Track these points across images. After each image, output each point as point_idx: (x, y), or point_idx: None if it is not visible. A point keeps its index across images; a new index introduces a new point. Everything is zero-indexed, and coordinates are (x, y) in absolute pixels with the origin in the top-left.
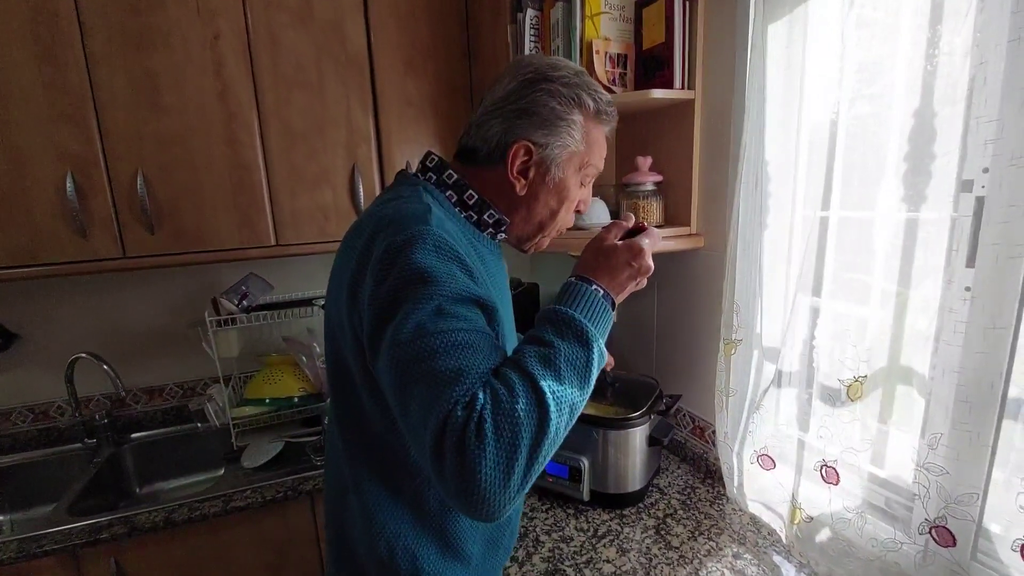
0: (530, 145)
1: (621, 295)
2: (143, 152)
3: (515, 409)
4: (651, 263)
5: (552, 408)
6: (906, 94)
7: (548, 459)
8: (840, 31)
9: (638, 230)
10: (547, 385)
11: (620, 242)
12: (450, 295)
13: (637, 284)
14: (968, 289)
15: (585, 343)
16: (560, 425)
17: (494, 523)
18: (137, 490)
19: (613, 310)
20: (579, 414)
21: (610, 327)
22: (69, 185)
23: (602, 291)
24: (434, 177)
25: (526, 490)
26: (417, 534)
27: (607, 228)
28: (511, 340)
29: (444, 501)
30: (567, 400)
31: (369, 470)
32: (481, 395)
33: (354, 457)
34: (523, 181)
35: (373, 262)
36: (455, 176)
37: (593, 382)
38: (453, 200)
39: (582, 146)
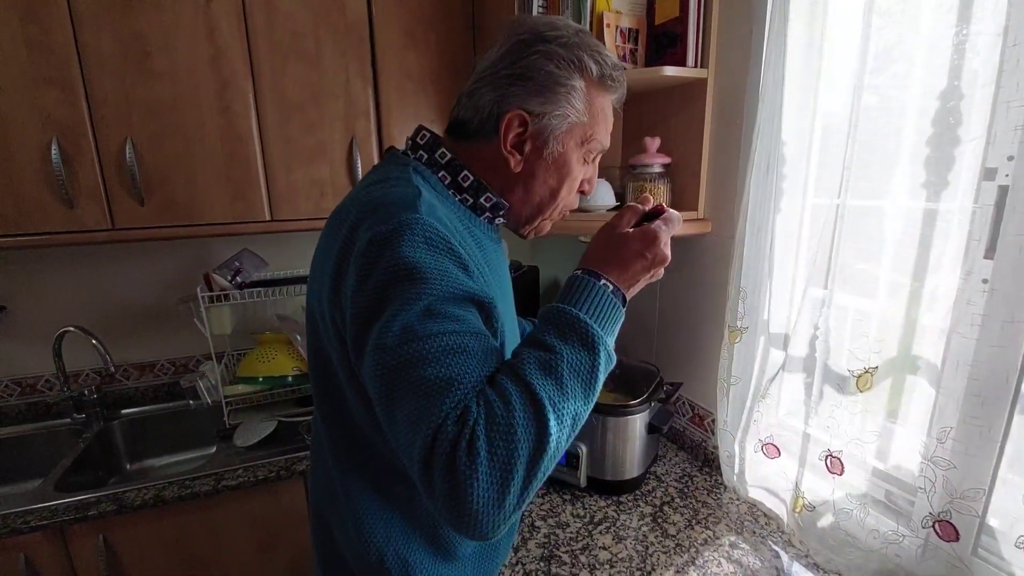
0: (525, 115)
1: (633, 289)
2: (132, 119)
3: (511, 423)
4: (668, 252)
5: (552, 421)
6: (932, 75)
7: (548, 474)
8: (863, 8)
9: (655, 213)
10: (547, 396)
11: (633, 229)
12: (441, 294)
13: (652, 276)
14: (986, 281)
15: (591, 347)
16: (561, 439)
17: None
18: (127, 466)
19: (624, 306)
20: (583, 423)
21: (620, 324)
22: (55, 152)
23: (611, 286)
24: (425, 156)
25: (524, 507)
26: (408, 539)
27: (620, 213)
28: (512, 331)
29: None
30: (569, 411)
31: (357, 472)
32: (474, 407)
33: (340, 458)
34: (518, 156)
35: (356, 255)
36: (448, 155)
37: (599, 388)
38: (446, 182)
39: (584, 116)
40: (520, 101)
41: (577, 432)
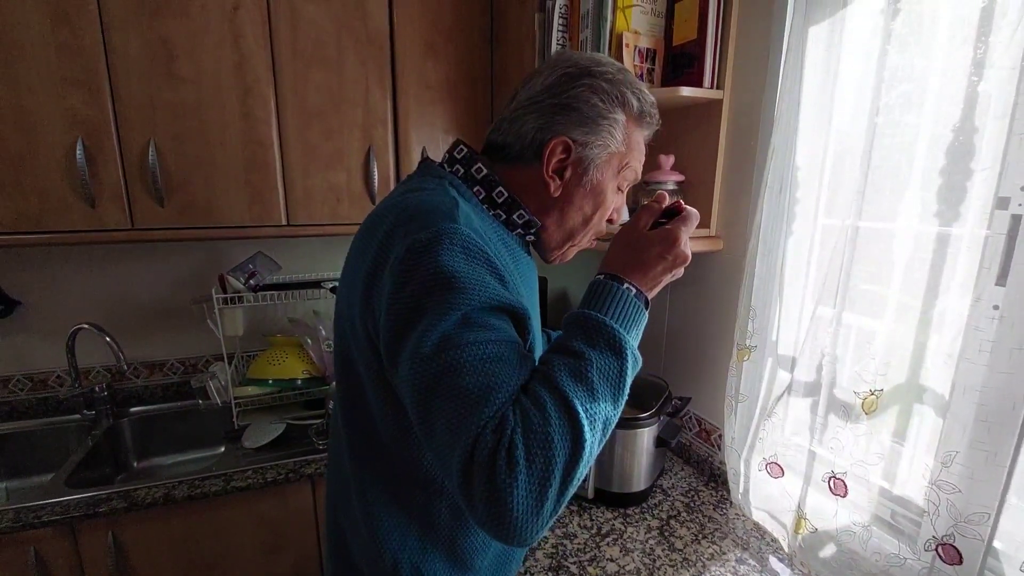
0: (569, 142)
1: (655, 289)
2: (156, 121)
3: (547, 432)
4: (688, 252)
5: (586, 428)
6: (946, 105)
7: (582, 479)
8: (879, 39)
9: (672, 212)
10: (580, 402)
11: (652, 231)
12: (478, 303)
13: (673, 275)
14: (996, 308)
15: (618, 351)
16: (594, 444)
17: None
18: (134, 464)
19: (647, 308)
20: (612, 428)
21: (643, 326)
22: (79, 152)
23: (634, 289)
24: (461, 170)
25: (559, 513)
26: (424, 547)
27: (637, 214)
28: (539, 343)
29: (456, 514)
30: (601, 416)
31: (375, 478)
32: (511, 416)
33: (360, 463)
34: (558, 181)
35: (393, 261)
36: (484, 171)
37: (627, 391)
38: (480, 196)
39: (622, 147)
40: (564, 130)
41: (608, 436)
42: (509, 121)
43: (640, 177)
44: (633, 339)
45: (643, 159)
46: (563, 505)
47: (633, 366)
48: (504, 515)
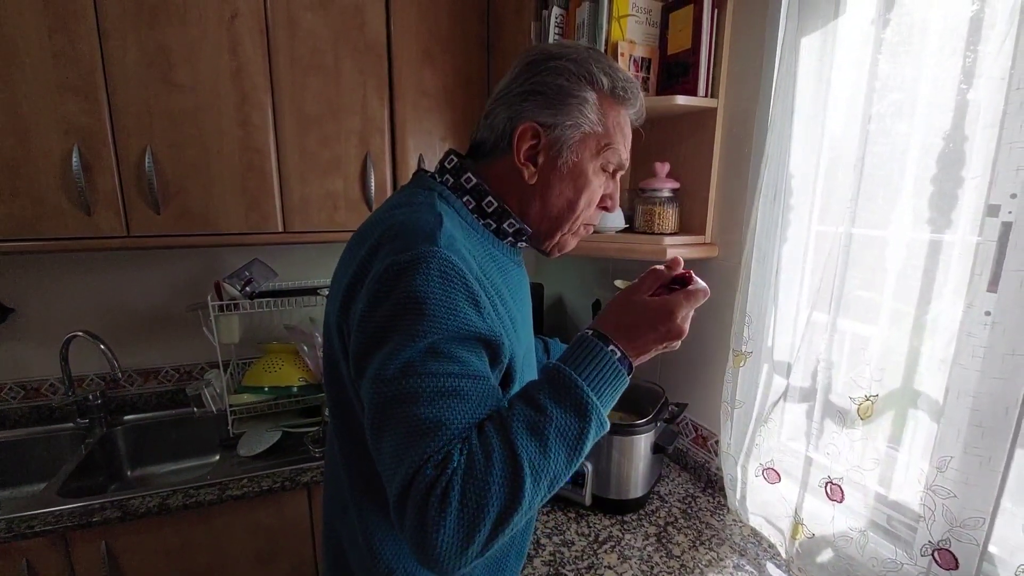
0: (537, 127)
1: (643, 357)
2: (152, 129)
3: (487, 480)
4: (685, 327)
5: (528, 483)
6: (937, 114)
7: (518, 527)
8: (871, 48)
9: (681, 280)
10: (527, 458)
11: (652, 298)
12: (447, 333)
13: (666, 347)
14: (988, 314)
15: (583, 415)
16: (535, 498)
17: (497, 548)
18: (128, 473)
19: (629, 373)
20: (562, 484)
21: (622, 391)
22: (75, 159)
23: (619, 353)
24: (451, 180)
25: (488, 553)
26: None
27: (643, 277)
28: (528, 353)
29: None
30: (548, 474)
31: (368, 487)
32: (456, 455)
33: (353, 473)
34: (532, 168)
35: (371, 279)
36: (474, 180)
37: (585, 453)
38: (471, 206)
39: (598, 127)
40: (532, 115)
41: (555, 492)
42: (484, 117)
43: (627, 160)
44: (606, 403)
45: (628, 142)
46: (493, 548)
47: (597, 430)
48: (428, 548)
